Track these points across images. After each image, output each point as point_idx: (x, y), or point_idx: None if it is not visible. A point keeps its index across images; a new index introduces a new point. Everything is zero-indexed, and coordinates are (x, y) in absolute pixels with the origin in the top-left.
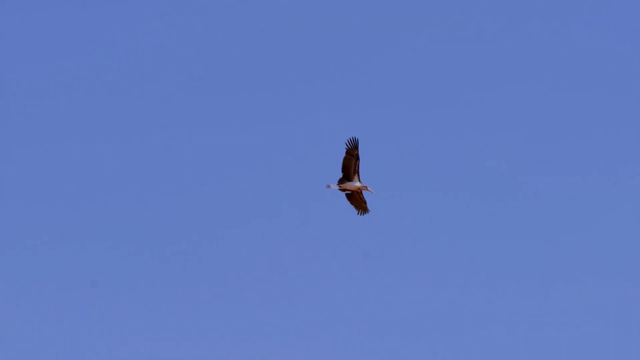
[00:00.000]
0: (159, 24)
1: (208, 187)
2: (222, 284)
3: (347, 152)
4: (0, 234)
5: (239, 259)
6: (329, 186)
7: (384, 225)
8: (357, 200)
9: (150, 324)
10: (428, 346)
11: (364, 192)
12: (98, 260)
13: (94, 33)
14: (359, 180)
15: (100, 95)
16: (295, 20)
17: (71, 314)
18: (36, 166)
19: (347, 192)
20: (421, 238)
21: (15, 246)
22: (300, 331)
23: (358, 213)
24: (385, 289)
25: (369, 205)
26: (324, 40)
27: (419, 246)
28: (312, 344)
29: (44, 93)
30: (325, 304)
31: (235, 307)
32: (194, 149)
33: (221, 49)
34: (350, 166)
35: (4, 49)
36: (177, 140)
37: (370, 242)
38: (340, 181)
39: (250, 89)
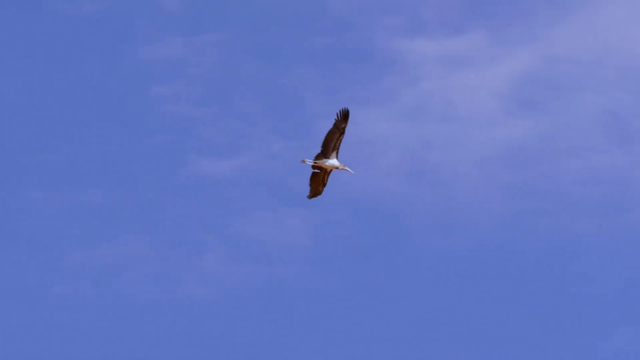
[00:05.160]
0: None
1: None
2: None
3: (334, 125)
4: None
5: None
6: (303, 161)
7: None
8: (318, 181)
9: None
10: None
11: (335, 171)
12: None
13: None
14: (337, 159)
15: None
16: None
17: None
18: None
19: (315, 170)
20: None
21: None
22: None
23: (308, 196)
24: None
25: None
26: None
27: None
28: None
29: None
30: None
31: None
32: None
33: None
34: (331, 141)
35: None
36: None
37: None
38: (318, 157)
39: None
